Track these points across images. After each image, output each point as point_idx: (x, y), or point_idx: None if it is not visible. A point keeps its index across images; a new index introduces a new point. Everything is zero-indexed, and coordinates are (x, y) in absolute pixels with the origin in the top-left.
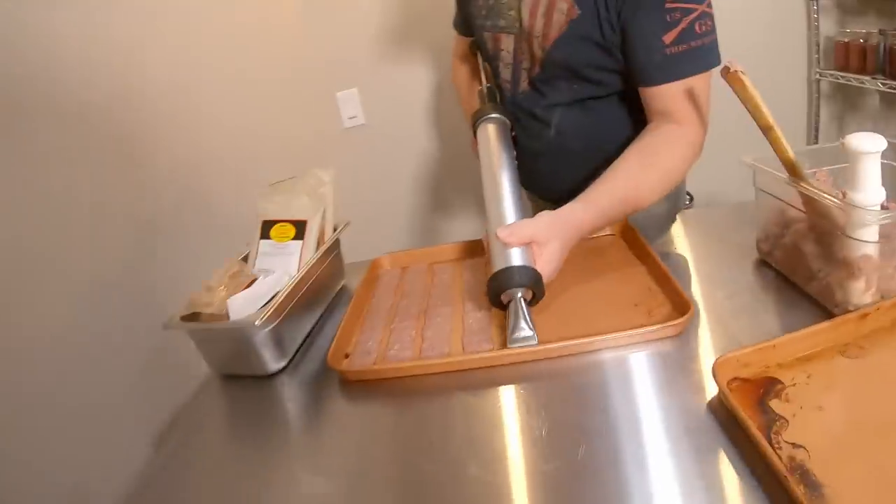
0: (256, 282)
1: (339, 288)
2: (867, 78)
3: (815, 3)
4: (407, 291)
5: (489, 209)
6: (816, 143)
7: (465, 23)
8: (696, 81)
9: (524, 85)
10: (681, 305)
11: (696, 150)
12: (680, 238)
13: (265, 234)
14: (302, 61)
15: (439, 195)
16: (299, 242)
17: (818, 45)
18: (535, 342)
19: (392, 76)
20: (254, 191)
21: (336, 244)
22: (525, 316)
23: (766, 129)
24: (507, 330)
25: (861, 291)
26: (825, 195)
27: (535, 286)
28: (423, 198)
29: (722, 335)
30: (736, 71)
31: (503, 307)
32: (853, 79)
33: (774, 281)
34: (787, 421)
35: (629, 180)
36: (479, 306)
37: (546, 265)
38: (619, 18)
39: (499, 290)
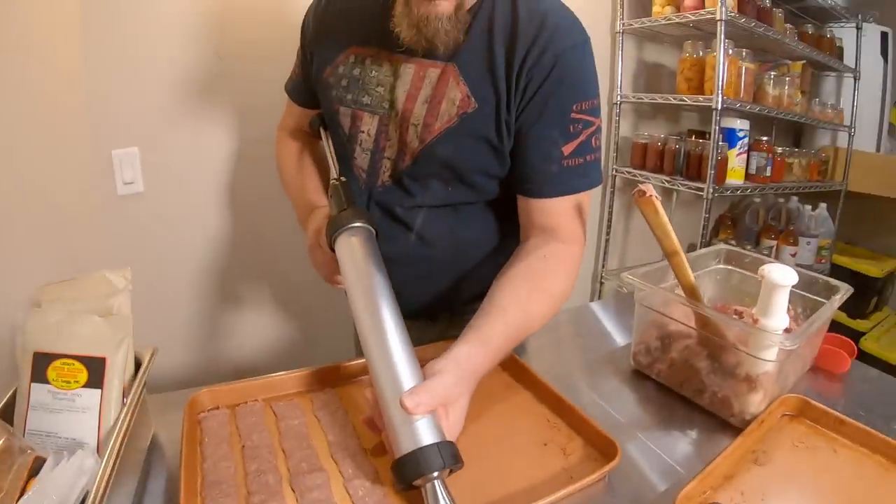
0: (42, 474)
1: (147, 444)
2: (666, 177)
3: (617, 108)
4: (251, 449)
5: (375, 364)
6: (609, 227)
7: (309, 91)
8: (584, 198)
9: (385, 177)
10: (599, 443)
11: (578, 270)
12: (541, 349)
13: (40, 376)
14: (74, 106)
15: (232, 284)
16: (96, 392)
17: (616, 145)
18: None
19: (181, 137)
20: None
21: (142, 387)
22: (447, 501)
23: (672, 254)
24: None
25: (758, 402)
26: (735, 320)
27: (455, 463)
28: (211, 287)
29: (640, 459)
30: (651, 196)
31: (411, 489)
32: (651, 177)
33: (657, 393)
34: None
35: (520, 311)
36: (360, 468)
37: (455, 427)
38: (517, 120)
39: (413, 477)
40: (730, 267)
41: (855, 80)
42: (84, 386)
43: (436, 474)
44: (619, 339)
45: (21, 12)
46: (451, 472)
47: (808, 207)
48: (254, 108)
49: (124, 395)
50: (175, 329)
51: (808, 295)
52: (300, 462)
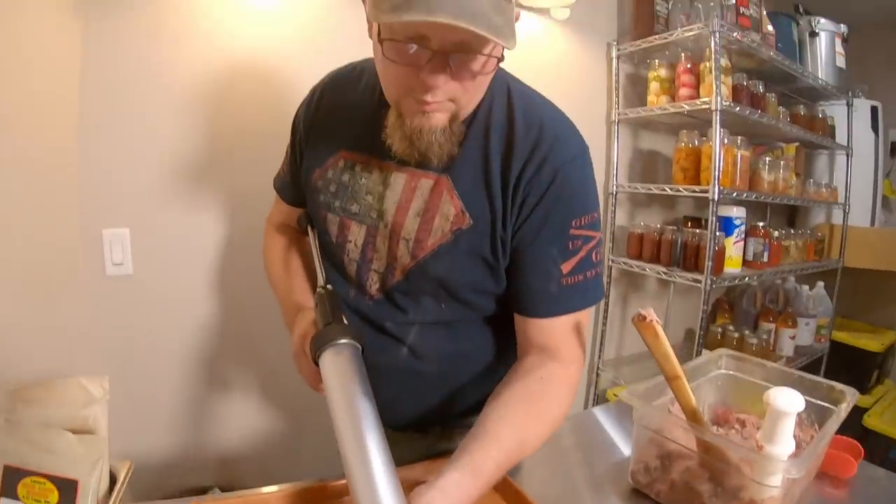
0: None
1: None
2: (663, 268)
3: (613, 198)
4: None
5: (356, 491)
6: (606, 317)
7: (297, 189)
8: (584, 316)
9: (374, 290)
10: None
11: (576, 391)
12: (538, 465)
13: (10, 491)
14: (66, 183)
15: (218, 370)
16: None
17: (612, 235)
18: None
19: (173, 220)
20: None
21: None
22: None
23: (673, 378)
24: None
25: None
26: (739, 447)
27: None
28: (198, 372)
29: None
30: (652, 321)
31: None
32: (648, 268)
33: None
34: None
35: (515, 438)
36: None
37: None
38: (513, 238)
39: None
40: (731, 372)
41: (847, 156)
42: None
43: None
44: (622, 447)
45: (18, 85)
46: None
47: (806, 288)
48: (247, 194)
49: None
50: (159, 412)
51: (812, 400)
52: None
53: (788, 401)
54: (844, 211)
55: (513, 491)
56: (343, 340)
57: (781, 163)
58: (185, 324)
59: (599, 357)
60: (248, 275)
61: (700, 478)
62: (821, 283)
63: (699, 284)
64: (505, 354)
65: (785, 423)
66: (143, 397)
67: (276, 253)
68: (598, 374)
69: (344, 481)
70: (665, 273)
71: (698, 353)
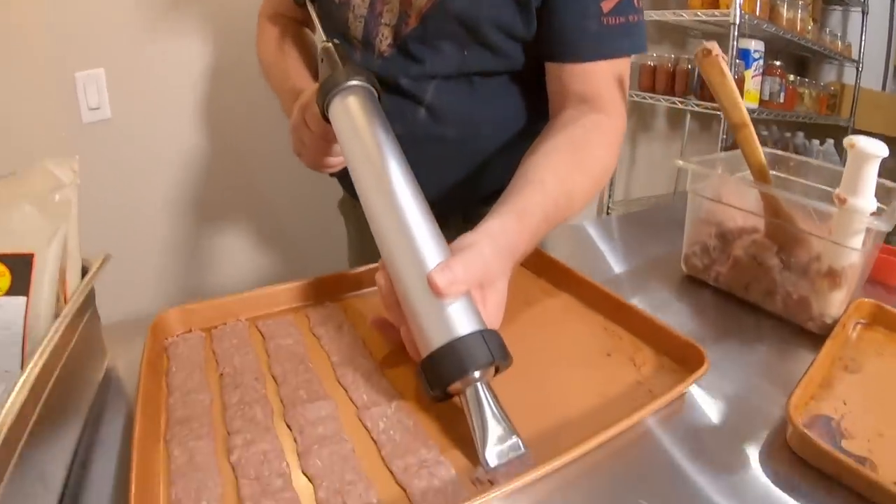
0: None
1: (100, 377)
2: (678, 98)
3: None
4: (231, 376)
5: (390, 237)
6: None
7: None
8: (625, 65)
9: (385, 45)
10: (674, 351)
11: (619, 148)
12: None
13: None
14: (33, 26)
15: (209, 208)
16: (20, 301)
17: None
18: (523, 451)
19: (151, 54)
20: None
21: (90, 299)
22: (498, 413)
23: (739, 127)
24: (474, 437)
25: (841, 302)
26: (817, 203)
27: (504, 358)
28: (187, 213)
29: (712, 374)
30: (717, 56)
31: (445, 398)
32: (662, 99)
33: (716, 301)
34: (874, 462)
35: (560, 186)
36: (378, 393)
37: (495, 316)
38: None
39: (453, 377)
40: (774, 172)
41: (863, 14)
42: (6, 294)
43: (478, 374)
44: (662, 248)
45: None
46: (496, 370)
47: (816, 142)
48: (229, 16)
49: (60, 301)
50: (149, 258)
51: None
52: (296, 390)
53: (873, 143)
54: (857, 69)
55: (558, 269)
56: (356, 82)
57: (800, 2)
58: (172, 165)
59: (609, 197)
60: (239, 106)
61: (768, 251)
62: (830, 140)
63: (717, 113)
64: (534, 124)
65: (869, 171)
66: (130, 244)
67: (270, 44)
68: (608, 214)
69: (366, 268)
70: (681, 102)
71: None
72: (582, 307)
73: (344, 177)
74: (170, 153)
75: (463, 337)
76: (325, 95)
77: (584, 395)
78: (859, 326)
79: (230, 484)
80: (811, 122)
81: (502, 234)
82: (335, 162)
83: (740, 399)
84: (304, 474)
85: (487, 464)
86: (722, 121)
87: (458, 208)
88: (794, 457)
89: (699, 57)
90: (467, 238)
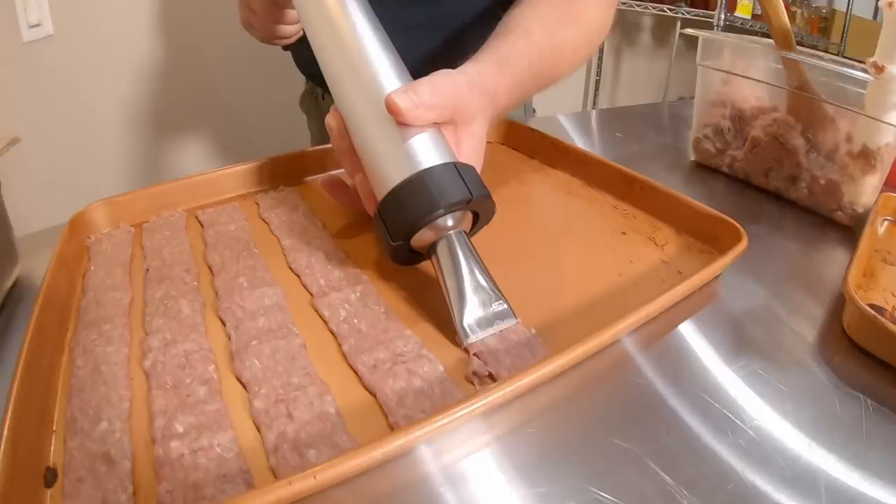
0: None
1: (10, 284)
2: (668, 5)
3: None
4: (158, 269)
5: (337, 65)
6: (600, 68)
7: None
8: None
9: None
10: (701, 229)
11: (614, 6)
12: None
13: None
14: None
15: (166, 120)
16: None
17: None
18: (515, 320)
19: None
20: None
21: None
22: (479, 271)
23: None
24: (449, 304)
25: (874, 189)
26: (850, 72)
27: (482, 201)
28: (143, 127)
29: (743, 268)
30: None
31: (412, 260)
32: (650, 6)
33: (730, 189)
34: None
35: (549, 33)
36: (338, 277)
37: (476, 159)
38: None
39: (416, 221)
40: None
41: None
42: None
43: (451, 221)
44: (662, 139)
45: None
46: (475, 221)
47: None
48: None
49: None
50: (105, 174)
51: None
52: (236, 278)
53: None
54: None
55: (555, 147)
56: None
57: None
58: (123, 79)
59: (594, 107)
60: (196, 8)
61: (792, 129)
62: None
63: (711, 20)
64: None
65: None
66: (83, 168)
67: None
68: None
69: (328, 146)
70: (670, 9)
71: None
72: (585, 187)
73: (300, 53)
74: (120, 67)
75: (431, 168)
76: None
77: (601, 276)
78: (887, 223)
79: (141, 396)
80: (801, 40)
81: (479, 75)
82: (289, 31)
83: (773, 292)
84: (238, 380)
85: (466, 333)
86: (716, 27)
87: None
88: (853, 346)
89: None
90: (439, 73)
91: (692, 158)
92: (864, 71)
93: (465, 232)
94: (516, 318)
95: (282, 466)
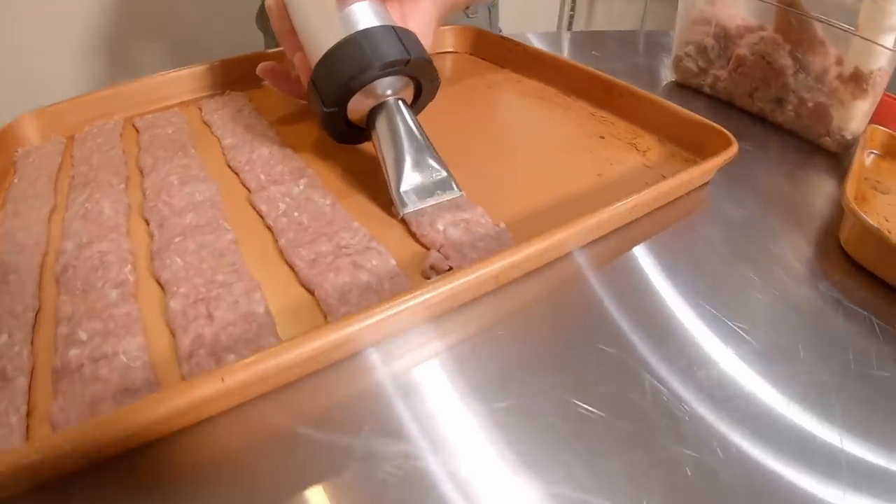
0: None
1: None
2: None
3: None
4: (83, 175)
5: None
6: (573, 9)
7: None
8: None
9: None
10: (686, 136)
11: None
12: None
13: None
14: None
15: (127, 51)
16: None
17: None
18: (458, 192)
19: None
20: None
21: None
22: (421, 139)
23: None
24: (386, 175)
25: (864, 115)
26: None
27: (422, 66)
28: (103, 58)
29: (729, 184)
30: None
31: (352, 136)
32: None
33: (712, 111)
34: None
35: None
36: (285, 169)
37: (422, 40)
38: None
39: (349, 82)
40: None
41: None
42: None
43: (389, 90)
44: (639, 59)
45: None
46: (417, 93)
47: None
48: None
49: None
50: (38, 90)
51: None
52: (167, 177)
53: None
54: None
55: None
56: None
57: None
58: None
59: (569, 29)
60: None
61: (780, 48)
62: None
63: None
64: None
65: None
66: (22, 74)
67: None
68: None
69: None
70: None
71: None
72: (560, 94)
73: None
74: None
75: (366, 29)
76: None
77: (579, 176)
78: (873, 156)
79: (50, 304)
80: None
81: None
82: None
83: (762, 208)
84: (157, 281)
85: (403, 202)
86: None
87: None
88: (852, 264)
89: None
90: None
91: (672, 78)
92: None
93: (405, 101)
94: (460, 190)
95: (194, 374)
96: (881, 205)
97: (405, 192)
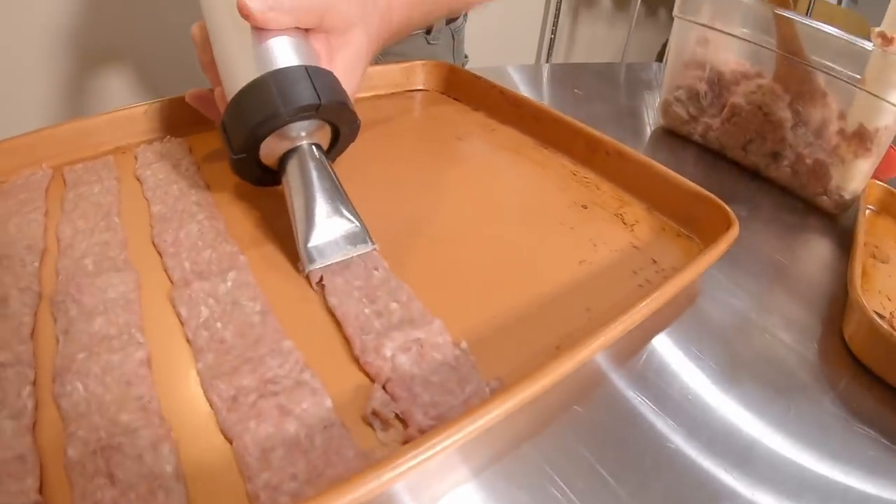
0: None
1: None
2: None
3: None
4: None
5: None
6: (556, 25)
7: None
8: None
9: None
10: (675, 207)
11: None
12: None
13: None
14: None
15: (100, 62)
16: None
17: None
18: (371, 246)
19: None
20: None
21: None
22: (335, 191)
23: None
24: (294, 227)
25: (865, 175)
26: (851, 39)
27: (337, 110)
28: (67, 67)
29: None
30: None
31: (268, 180)
32: None
33: (704, 163)
34: None
35: None
36: (214, 255)
37: (347, 78)
38: None
39: (255, 132)
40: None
41: None
42: None
43: (303, 132)
44: (623, 101)
45: None
46: (336, 138)
47: None
48: None
49: None
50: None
51: None
52: (82, 259)
53: None
54: None
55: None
56: None
57: None
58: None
59: (548, 61)
60: None
61: (779, 99)
62: None
63: None
64: None
65: None
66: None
67: None
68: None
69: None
70: None
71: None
72: (538, 147)
73: None
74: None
75: (277, 70)
76: None
77: (558, 266)
78: (868, 212)
79: None
80: None
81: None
82: None
83: (757, 290)
84: (58, 409)
85: (311, 258)
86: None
87: None
88: (857, 365)
89: None
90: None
91: (660, 123)
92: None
93: (320, 146)
94: (373, 243)
95: None
96: (882, 278)
97: (314, 246)
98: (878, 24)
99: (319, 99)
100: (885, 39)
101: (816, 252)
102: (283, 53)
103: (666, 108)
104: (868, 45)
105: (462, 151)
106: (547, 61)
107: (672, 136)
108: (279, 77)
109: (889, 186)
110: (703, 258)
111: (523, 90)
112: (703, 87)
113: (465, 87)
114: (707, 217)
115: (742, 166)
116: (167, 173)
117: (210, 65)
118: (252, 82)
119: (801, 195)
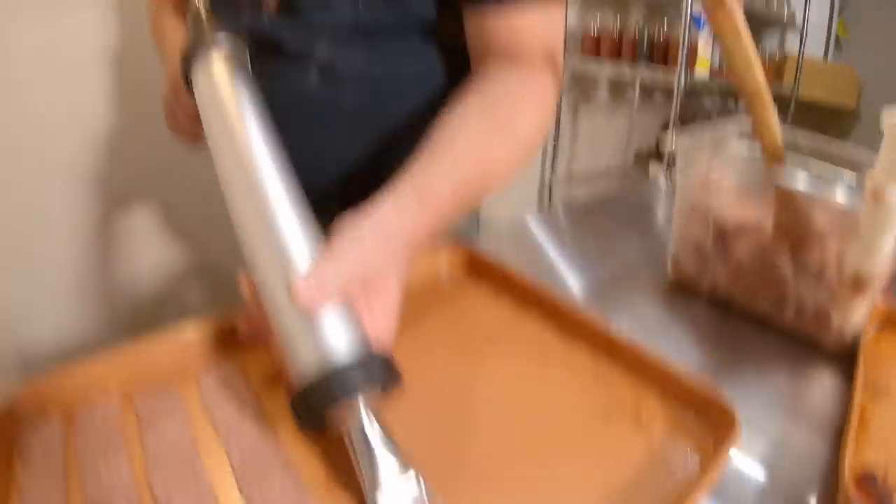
0: None
1: None
2: (627, 64)
3: None
4: (99, 491)
5: (250, 237)
6: (558, 130)
7: None
8: (558, 9)
9: (271, 3)
10: (695, 400)
11: (553, 111)
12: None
13: None
14: None
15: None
16: None
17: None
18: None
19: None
20: None
21: None
22: (394, 452)
23: (753, 95)
24: (361, 481)
25: (863, 314)
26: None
27: (388, 381)
28: (88, 239)
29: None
30: (732, 8)
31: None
32: (609, 66)
33: (711, 314)
34: None
35: (475, 151)
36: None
37: (384, 325)
38: None
39: (319, 410)
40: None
41: None
42: None
43: (362, 406)
44: (634, 247)
45: None
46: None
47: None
48: None
49: None
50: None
51: None
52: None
53: None
54: (802, 35)
55: (524, 291)
56: (217, 44)
57: None
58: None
59: (552, 171)
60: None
61: (779, 253)
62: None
63: (671, 76)
64: (450, 88)
65: None
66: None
67: (162, 18)
68: (550, 190)
69: None
70: (629, 67)
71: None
72: (561, 339)
73: None
74: (61, 155)
75: (339, 370)
76: (186, 68)
77: (583, 492)
78: (870, 334)
79: None
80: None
81: (395, 215)
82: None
83: (766, 452)
84: None
85: None
86: (676, 89)
87: (361, 193)
88: None
89: (707, 6)
90: (346, 222)
91: (670, 277)
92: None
93: (373, 413)
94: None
95: None
96: (881, 418)
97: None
98: (865, 72)
99: (374, 383)
100: (877, 196)
101: (820, 394)
102: (333, 331)
103: (675, 264)
104: (870, 205)
105: (488, 357)
106: (553, 163)
107: (683, 289)
108: (338, 377)
109: (890, 307)
110: (710, 473)
111: (543, 241)
112: (708, 243)
113: (487, 272)
114: (713, 411)
115: (749, 315)
116: (236, 407)
117: (262, 320)
118: (316, 381)
119: (801, 336)
